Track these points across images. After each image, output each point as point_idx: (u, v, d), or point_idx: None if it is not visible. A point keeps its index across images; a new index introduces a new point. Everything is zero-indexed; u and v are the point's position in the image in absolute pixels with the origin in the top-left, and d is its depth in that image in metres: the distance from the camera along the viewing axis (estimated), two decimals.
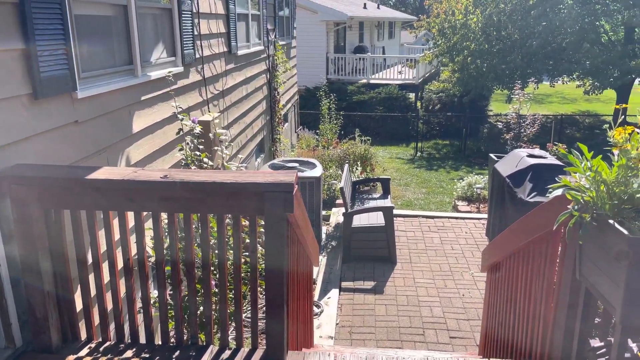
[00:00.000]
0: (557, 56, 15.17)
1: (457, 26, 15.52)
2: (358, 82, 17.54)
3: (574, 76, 16.02)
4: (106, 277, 2.52)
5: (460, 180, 9.31)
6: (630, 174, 2.10)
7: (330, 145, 10.89)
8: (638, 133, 2.09)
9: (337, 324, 4.85)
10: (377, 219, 6.26)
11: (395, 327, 4.81)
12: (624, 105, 2.22)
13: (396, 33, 28.41)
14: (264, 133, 8.29)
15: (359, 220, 6.31)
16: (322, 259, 6.21)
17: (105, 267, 2.51)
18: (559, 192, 2.21)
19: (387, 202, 6.76)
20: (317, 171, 6.40)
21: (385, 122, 15.96)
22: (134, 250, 2.52)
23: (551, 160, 5.94)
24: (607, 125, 2.15)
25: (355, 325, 4.84)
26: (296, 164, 6.56)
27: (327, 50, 18.20)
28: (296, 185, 2.36)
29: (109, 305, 2.56)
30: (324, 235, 6.85)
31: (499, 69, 15.28)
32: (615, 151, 2.08)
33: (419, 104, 17.96)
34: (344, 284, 5.69)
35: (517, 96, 9.55)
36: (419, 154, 14.39)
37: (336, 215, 7.45)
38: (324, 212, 7.71)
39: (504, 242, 3.40)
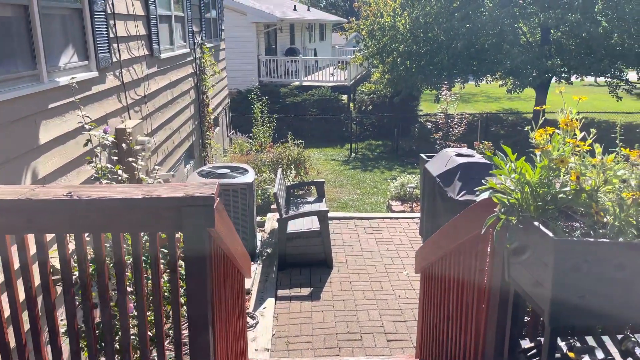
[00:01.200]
0: (480, 57, 15.77)
1: (385, 28, 15.78)
2: (291, 84, 17.46)
3: (497, 76, 16.72)
4: (6, 310, 2.24)
5: (394, 180, 9.43)
6: (552, 175, 2.12)
7: (264, 149, 10.71)
8: (558, 134, 2.11)
9: (273, 335, 4.70)
10: (312, 223, 6.17)
11: (332, 333, 4.73)
12: (543, 107, 2.23)
13: (327, 35, 28.59)
14: (193, 138, 8.00)
15: (294, 226, 6.19)
16: (257, 267, 6.04)
17: (4, 298, 2.24)
18: (485, 195, 2.19)
19: (322, 206, 6.69)
20: (250, 177, 6.22)
21: (320, 124, 15.97)
22: (38, 278, 2.27)
23: (478, 158, 6.09)
24: (529, 127, 2.15)
25: (292, 335, 4.71)
26: (227, 170, 6.35)
27: (258, 53, 17.98)
28: (217, 198, 2.21)
29: (12, 341, 2.29)
30: (259, 243, 6.68)
31: (427, 69, 15.67)
32: (538, 152, 2.09)
33: (351, 105, 18.13)
34: (280, 292, 5.55)
35: (444, 96, 9.80)
36: (353, 155, 14.49)
37: (271, 221, 7.29)
38: (258, 218, 7.54)
39: (435, 245, 3.39)
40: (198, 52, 8.38)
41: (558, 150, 2.09)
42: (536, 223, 1.99)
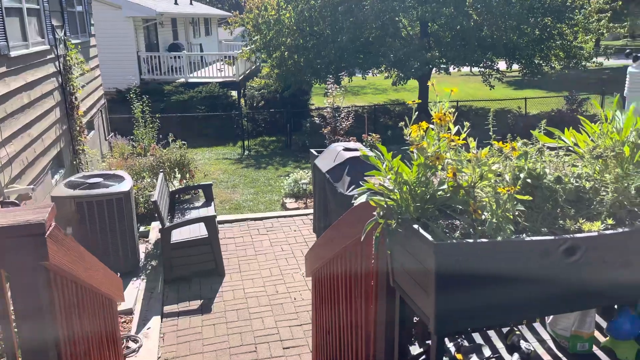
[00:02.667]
0: (365, 50, 16.11)
1: (271, 22, 15.54)
2: (176, 81, 16.62)
3: (382, 68, 17.21)
4: None
5: (287, 177, 9.24)
6: (430, 172, 2.00)
7: (148, 152, 9.99)
8: (432, 129, 1.99)
9: (159, 357, 4.29)
10: (200, 230, 5.78)
11: (225, 348, 4.42)
12: (416, 101, 2.11)
13: (213, 30, 27.73)
14: (61, 145, 7.19)
15: (179, 234, 5.75)
16: (141, 283, 5.53)
17: None
18: (362, 198, 2.03)
19: (210, 210, 6.31)
20: (126, 185, 5.67)
21: (210, 122, 15.37)
22: None
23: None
24: (403, 123, 2.02)
25: (181, 355, 4.33)
26: (100, 179, 5.74)
27: (137, 49, 16.87)
28: (51, 225, 1.82)
29: None
30: (142, 255, 6.15)
31: (315, 63, 15.70)
32: (413, 150, 1.96)
33: (242, 101, 17.70)
34: (167, 309, 5.11)
35: (330, 91, 9.78)
36: (246, 152, 14.13)
37: (156, 231, 6.76)
38: (142, 228, 6.98)
39: (322, 248, 3.22)
40: (62, 49, 7.54)
41: (433, 147, 1.98)
42: (416, 226, 1.85)
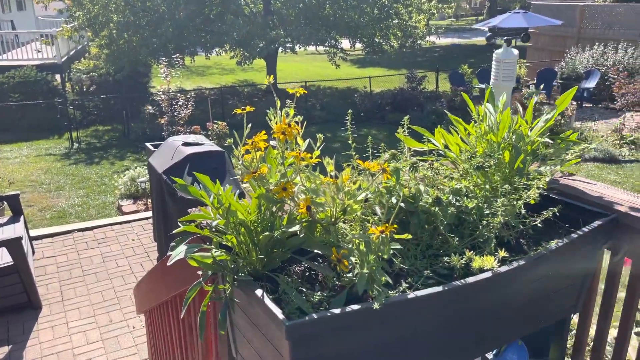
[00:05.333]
0: (207, 28, 15.06)
1: None
2: None
3: (227, 47, 16.29)
4: None
5: (124, 174, 8.09)
6: (276, 207, 1.43)
7: None
8: (273, 147, 1.42)
9: None
10: (2, 257, 4.60)
11: None
12: (248, 109, 1.50)
13: (28, 4, 24.02)
14: None
15: None
16: None
17: None
18: (180, 252, 1.38)
19: (16, 229, 5.09)
20: None
21: (27, 112, 13.16)
22: None
23: (209, 146, 5.34)
24: (231, 140, 1.41)
25: None
26: None
27: None
28: None
29: None
30: None
31: (150, 42, 14.23)
32: (247, 180, 1.36)
33: (68, 86, 15.51)
34: None
35: (164, 75, 8.72)
36: (75, 145, 12.34)
37: None
38: None
39: (150, 288, 2.51)
40: None
41: (278, 172, 1.41)
42: (259, 292, 1.28)
